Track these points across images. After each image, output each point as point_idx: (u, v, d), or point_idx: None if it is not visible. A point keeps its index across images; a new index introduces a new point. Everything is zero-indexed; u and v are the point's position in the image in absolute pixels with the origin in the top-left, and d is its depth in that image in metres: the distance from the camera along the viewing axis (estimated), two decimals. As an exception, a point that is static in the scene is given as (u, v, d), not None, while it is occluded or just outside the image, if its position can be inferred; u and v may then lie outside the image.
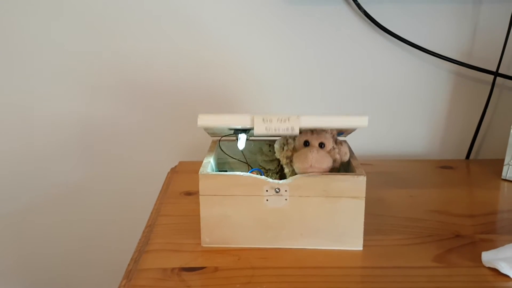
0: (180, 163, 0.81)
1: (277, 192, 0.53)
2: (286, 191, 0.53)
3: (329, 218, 0.54)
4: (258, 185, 0.53)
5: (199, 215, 0.55)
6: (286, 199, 0.53)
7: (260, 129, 0.50)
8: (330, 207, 0.53)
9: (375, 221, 0.61)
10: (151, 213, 0.65)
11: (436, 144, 0.87)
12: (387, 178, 0.75)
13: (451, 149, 0.87)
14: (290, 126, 0.50)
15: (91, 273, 0.94)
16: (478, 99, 0.84)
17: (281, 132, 0.50)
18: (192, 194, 0.69)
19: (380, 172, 0.77)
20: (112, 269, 0.91)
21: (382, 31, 0.80)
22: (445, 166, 0.80)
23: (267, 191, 0.53)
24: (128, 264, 0.53)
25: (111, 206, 0.91)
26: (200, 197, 0.54)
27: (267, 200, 0.53)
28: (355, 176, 0.52)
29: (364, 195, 0.53)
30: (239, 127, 0.53)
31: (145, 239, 0.58)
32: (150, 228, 0.61)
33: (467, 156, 0.85)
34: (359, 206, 0.53)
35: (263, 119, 0.50)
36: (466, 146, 0.86)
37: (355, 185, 0.52)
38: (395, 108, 0.86)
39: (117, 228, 0.92)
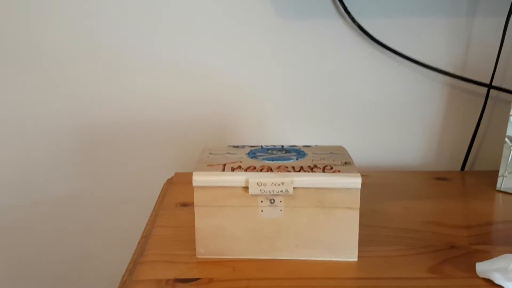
0: (176, 174, 0.82)
1: (272, 203, 0.53)
2: (281, 201, 0.53)
3: (324, 229, 0.54)
4: (253, 196, 0.53)
5: (193, 226, 0.55)
6: (281, 210, 0.53)
7: (255, 191, 0.52)
8: (325, 218, 0.53)
9: (370, 232, 0.61)
10: (147, 224, 0.65)
11: (431, 156, 0.88)
12: (381, 190, 0.75)
13: (446, 161, 0.88)
14: (285, 189, 0.52)
15: (85, 283, 0.94)
16: (472, 111, 0.85)
17: (276, 194, 0.52)
18: (188, 205, 0.69)
19: (375, 183, 0.77)
20: (107, 280, 0.91)
21: (377, 45, 0.81)
22: (440, 177, 0.81)
23: (262, 202, 0.53)
24: (123, 276, 0.53)
25: (106, 217, 0.91)
26: (195, 208, 0.54)
27: (262, 211, 0.54)
28: (350, 188, 0.53)
29: (358, 206, 0.53)
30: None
31: (140, 250, 0.58)
32: (145, 239, 0.61)
33: (462, 168, 0.85)
34: (354, 217, 0.53)
35: (257, 183, 0.52)
36: (461, 157, 0.86)
37: (350, 196, 0.53)
38: (389, 120, 0.86)
39: (112, 239, 0.92)
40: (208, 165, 0.55)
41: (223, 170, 0.54)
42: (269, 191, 0.52)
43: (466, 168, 0.86)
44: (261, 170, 0.53)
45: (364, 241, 0.57)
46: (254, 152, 0.59)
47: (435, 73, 0.83)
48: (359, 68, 0.84)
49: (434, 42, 0.82)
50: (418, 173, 0.84)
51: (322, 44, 0.83)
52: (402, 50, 0.81)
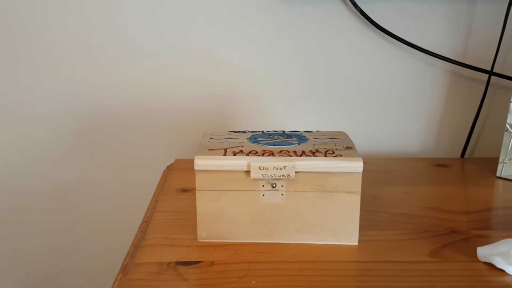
0: (176, 160, 0.81)
1: (273, 187, 0.53)
2: (282, 186, 0.53)
3: (325, 213, 0.54)
4: (254, 180, 0.53)
5: (195, 211, 0.55)
6: (282, 194, 0.53)
7: (256, 175, 0.52)
8: (326, 202, 0.53)
9: (371, 217, 0.61)
10: (147, 209, 0.65)
11: (431, 143, 0.88)
12: (382, 176, 0.75)
13: (446, 148, 0.88)
14: (286, 173, 0.52)
15: (86, 268, 0.94)
16: (472, 98, 0.85)
17: (278, 178, 0.52)
18: (188, 190, 0.69)
19: (375, 170, 0.77)
20: (108, 264, 0.91)
21: (378, 30, 0.81)
22: (440, 164, 0.81)
23: (263, 186, 0.53)
24: (124, 259, 0.53)
25: (107, 203, 0.91)
26: (197, 192, 0.54)
27: (263, 195, 0.54)
28: (351, 172, 0.52)
29: (360, 190, 0.53)
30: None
31: (141, 234, 0.58)
32: (146, 223, 0.61)
33: (462, 155, 0.86)
34: (355, 201, 0.53)
35: (259, 167, 0.52)
36: (461, 144, 0.86)
37: (351, 180, 0.53)
38: (389, 107, 0.86)
39: (112, 224, 0.92)
40: (209, 150, 0.55)
41: (225, 154, 0.54)
42: (270, 175, 0.52)
43: (466, 155, 0.86)
44: (262, 155, 0.53)
45: (365, 226, 0.57)
46: (255, 137, 0.59)
47: (436, 60, 0.83)
48: (359, 54, 0.83)
49: (435, 28, 0.82)
50: (418, 159, 0.84)
51: (323, 30, 0.82)
52: (403, 36, 0.81)
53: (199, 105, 0.85)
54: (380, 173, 0.76)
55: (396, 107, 0.86)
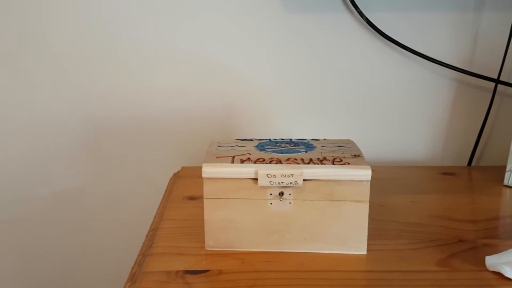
0: (183, 168, 0.82)
1: (281, 195, 0.53)
2: (290, 194, 0.53)
3: (333, 222, 0.54)
4: (262, 188, 0.53)
5: (202, 219, 0.55)
6: (290, 203, 0.53)
7: (264, 183, 0.52)
8: (334, 211, 0.53)
9: (378, 226, 0.61)
10: (154, 217, 0.65)
11: (438, 151, 0.88)
12: (388, 184, 0.75)
13: (453, 156, 0.88)
14: (294, 180, 0.52)
15: (93, 276, 0.94)
16: (479, 106, 0.85)
17: (285, 185, 0.52)
18: (196, 198, 0.69)
19: (381, 178, 0.77)
20: (115, 273, 0.91)
21: (384, 39, 0.81)
22: (446, 172, 0.81)
23: (271, 194, 0.53)
24: (132, 267, 0.53)
25: (113, 211, 0.91)
26: (204, 200, 0.54)
27: (271, 203, 0.54)
28: (360, 180, 0.52)
29: (368, 198, 0.53)
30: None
31: (148, 243, 0.58)
32: (153, 232, 0.61)
33: (469, 163, 0.85)
34: (363, 210, 0.53)
35: (267, 175, 0.52)
36: (467, 153, 0.86)
37: (359, 188, 0.53)
38: (395, 115, 0.86)
39: (119, 232, 0.92)
40: (217, 157, 0.55)
41: (232, 162, 0.54)
42: (278, 182, 0.52)
43: (473, 163, 0.86)
44: (270, 162, 0.53)
45: (373, 235, 0.57)
46: (263, 145, 0.59)
47: (442, 68, 0.83)
48: (365, 62, 0.84)
49: (442, 37, 0.82)
50: (424, 168, 0.84)
51: (328, 38, 0.83)
52: (409, 45, 0.81)
53: (205, 114, 0.86)
54: (387, 182, 0.76)
55: (402, 115, 0.86)
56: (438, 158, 0.88)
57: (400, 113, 0.86)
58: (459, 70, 0.82)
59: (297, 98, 0.85)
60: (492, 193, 0.73)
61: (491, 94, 0.82)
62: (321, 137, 0.84)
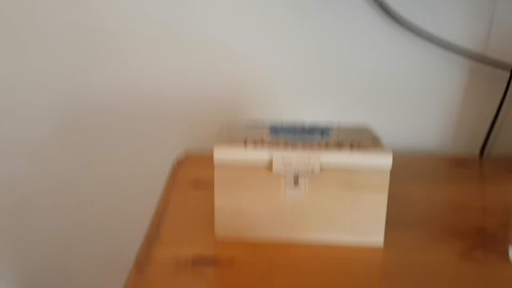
0: (187, 152, 0.79)
1: (296, 183, 0.51)
2: (305, 182, 0.51)
3: (350, 212, 0.51)
4: (276, 175, 0.50)
5: (210, 205, 0.52)
6: (305, 191, 0.51)
7: (279, 169, 0.50)
8: (352, 201, 0.51)
9: (394, 216, 0.59)
10: (159, 202, 0.62)
11: (449, 139, 0.85)
12: (401, 173, 0.73)
13: (464, 144, 0.85)
14: (310, 167, 0.49)
15: (93, 263, 0.92)
16: (493, 94, 0.82)
17: (301, 172, 0.50)
18: (202, 183, 0.67)
19: (394, 166, 0.75)
20: (115, 259, 0.89)
21: (395, 22, 0.78)
22: (459, 162, 0.79)
23: (285, 182, 0.51)
24: (138, 255, 0.51)
25: (113, 196, 0.88)
26: (215, 186, 0.51)
27: (285, 191, 0.51)
28: (379, 167, 0.50)
29: (387, 187, 0.50)
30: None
31: (154, 229, 0.55)
32: (159, 218, 0.58)
33: (481, 152, 0.83)
34: (382, 200, 0.51)
35: (282, 160, 0.49)
36: (479, 141, 0.84)
37: (378, 176, 0.50)
38: (406, 102, 0.83)
39: (120, 218, 0.89)
40: (228, 142, 0.52)
41: (245, 146, 0.51)
42: (294, 169, 0.49)
43: (485, 152, 0.84)
44: (285, 147, 0.51)
45: (389, 225, 0.55)
46: (276, 129, 0.57)
47: (456, 53, 0.80)
48: (377, 46, 0.81)
49: (456, 21, 0.79)
50: (436, 156, 0.82)
51: (339, 21, 0.79)
52: (422, 28, 0.78)
53: (207, 96, 0.83)
54: (399, 170, 0.74)
55: (412, 102, 0.84)
56: (449, 146, 0.86)
57: (411, 100, 0.83)
58: (473, 55, 0.79)
59: (305, 83, 0.82)
60: (508, 183, 0.70)
61: (506, 82, 0.80)
62: (329, 122, 0.81)
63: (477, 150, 0.85)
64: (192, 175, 0.70)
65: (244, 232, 0.52)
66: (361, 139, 0.54)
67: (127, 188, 0.88)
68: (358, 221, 0.52)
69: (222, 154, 0.50)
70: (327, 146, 0.51)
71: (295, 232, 0.52)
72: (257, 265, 0.48)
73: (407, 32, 0.79)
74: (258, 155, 0.50)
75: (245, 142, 0.52)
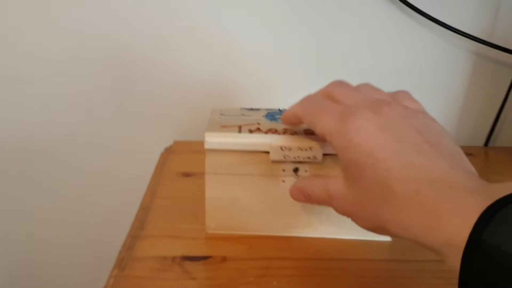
0: (176, 142, 0.74)
1: (295, 172, 0.46)
2: (306, 171, 0.46)
3: (354, 203, 0.47)
4: (274, 163, 0.46)
5: (200, 197, 0.47)
6: (305, 181, 0.46)
7: (277, 157, 0.45)
8: (356, 191, 0.46)
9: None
10: (145, 194, 0.57)
11: (452, 127, 0.81)
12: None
13: (468, 133, 0.82)
14: (312, 155, 0.44)
15: (75, 260, 0.87)
16: (499, 82, 0.78)
17: (302, 161, 0.45)
18: (191, 175, 0.62)
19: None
20: (99, 256, 0.84)
21: (400, 3, 0.74)
22: (464, 152, 0.74)
23: (284, 170, 0.46)
24: (120, 252, 0.46)
25: (98, 189, 0.83)
26: (206, 175, 0.46)
27: (283, 181, 0.46)
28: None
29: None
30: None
31: (139, 224, 0.50)
32: (144, 211, 0.53)
33: (486, 142, 0.79)
34: (390, 190, 0.46)
35: (281, 147, 0.44)
36: (483, 130, 0.80)
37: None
38: (408, 88, 0.79)
39: (102, 214, 0.84)
40: (221, 126, 0.47)
41: (239, 132, 0.46)
42: (294, 157, 0.45)
43: (490, 143, 0.80)
44: (284, 134, 0.46)
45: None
46: (273, 115, 0.52)
47: (460, 38, 0.76)
48: (377, 30, 0.76)
49: (462, 5, 0.75)
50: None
51: (340, 4, 0.75)
52: (425, 10, 0.74)
53: (199, 82, 0.77)
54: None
55: (415, 89, 0.78)
56: (452, 134, 0.81)
57: (413, 86, 0.78)
58: (479, 40, 0.75)
59: (303, 68, 0.78)
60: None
61: (512, 71, 0.76)
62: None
63: (481, 139, 0.81)
64: (181, 166, 0.64)
65: (238, 226, 0.48)
66: None
67: (110, 181, 0.83)
68: (363, 214, 0.47)
69: (214, 138, 0.45)
70: None
71: (294, 226, 0.48)
72: (253, 263, 0.44)
73: (411, 13, 0.75)
74: (253, 139, 0.45)
75: (240, 127, 0.47)
